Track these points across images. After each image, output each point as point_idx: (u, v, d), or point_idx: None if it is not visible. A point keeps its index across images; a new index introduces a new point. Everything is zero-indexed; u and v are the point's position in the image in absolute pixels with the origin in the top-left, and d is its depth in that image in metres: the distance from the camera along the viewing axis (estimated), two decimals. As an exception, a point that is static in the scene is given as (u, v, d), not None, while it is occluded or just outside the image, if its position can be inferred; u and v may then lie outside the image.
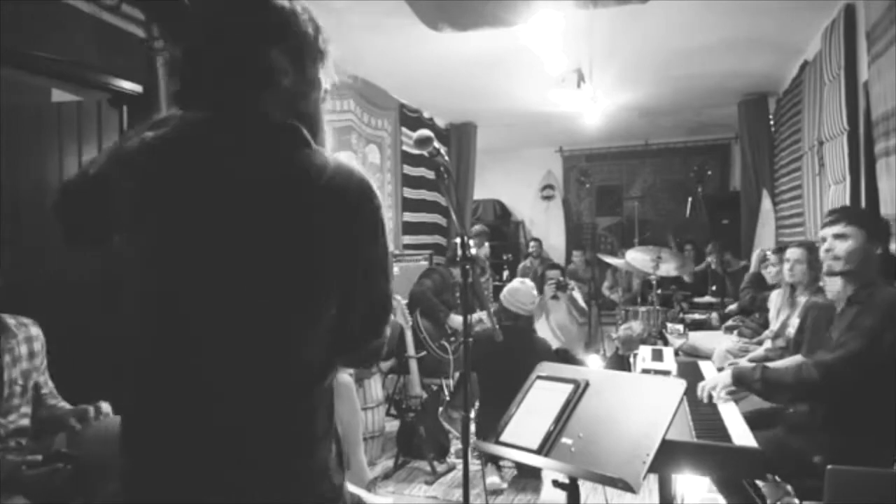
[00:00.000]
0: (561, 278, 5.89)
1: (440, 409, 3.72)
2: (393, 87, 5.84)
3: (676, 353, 3.14)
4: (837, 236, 2.17)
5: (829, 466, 1.70)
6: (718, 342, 4.08)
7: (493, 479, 3.34)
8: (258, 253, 0.99)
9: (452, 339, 4.25)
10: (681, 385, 1.55)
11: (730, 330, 4.52)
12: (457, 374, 4.10)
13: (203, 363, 0.98)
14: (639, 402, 1.55)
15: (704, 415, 1.99)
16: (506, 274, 7.98)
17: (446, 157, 1.95)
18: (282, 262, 1.00)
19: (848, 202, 3.47)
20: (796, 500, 2.18)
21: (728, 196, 7.75)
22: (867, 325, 2.03)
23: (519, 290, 3.60)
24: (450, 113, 7.08)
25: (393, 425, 3.99)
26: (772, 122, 6.00)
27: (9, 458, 1.96)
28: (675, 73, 5.39)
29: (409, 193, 6.48)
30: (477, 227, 6.59)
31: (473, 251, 1.91)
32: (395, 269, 5.21)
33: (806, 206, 4.60)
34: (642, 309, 5.22)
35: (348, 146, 5.16)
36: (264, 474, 0.97)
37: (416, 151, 2.09)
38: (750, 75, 5.48)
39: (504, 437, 1.66)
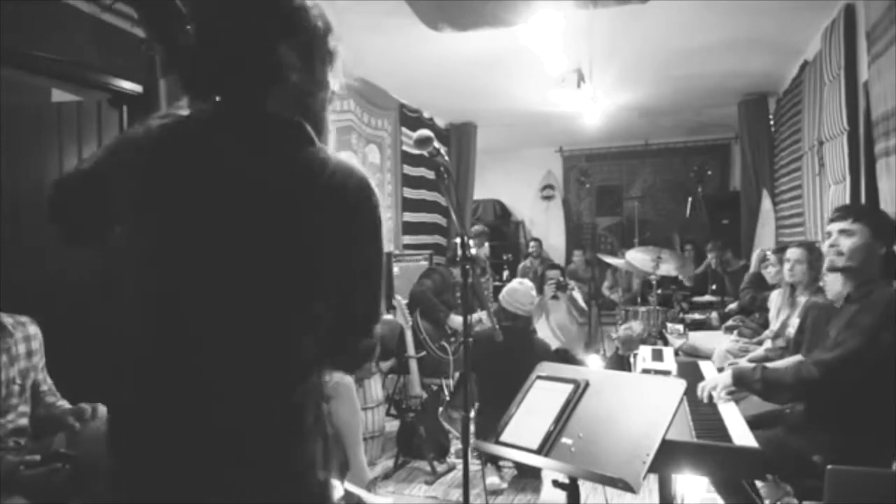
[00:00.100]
0: (561, 278, 5.89)
1: (440, 409, 3.73)
2: (393, 87, 5.84)
3: (676, 353, 3.14)
4: (843, 232, 2.16)
5: (828, 466, 1.70)
6: (718, 342, 4.08)
7: (492, 479, 3.34)
8: (259, 252, 0.99)
9: (452, 339, 4.25)
10: (681, 385, 1.55)
11: (730, 330, 4.51)
12: (457, 375, 4.10)
13: (203, 363, 0.97)
14: (639, 402, 1.55)
15: (704, 415, 1.99)
16: (506, 274, 7.97)
17: (446, 157, 1.96)
18: (282, 262, 0.99)
19: (848, 202, 3.47)
20: (796, 500, 2.18)
21: (728, 196, 7.74)
22: (866, 323, 2.03)
23: (517, 290, 3.60)
24: (450, 113, 7.07)
25: (393, 425, 3.99)
26: (772, 122, 5.99)
27: (7, 458, 1.96)
28: (675, 73, 5.39)
29: (409, 193, 6.48)
30: (477, 227, 6.60)
31: (473, 251, 1.91)
32: (395, 269, 5.22)
33: (806, 206, 4.60)
34: (642, 309, 5.22)
35: (348, 146, 5.16)
36: (264, 474, 0.97)
37: (416, 151, 2.09)
38: (750, 75, 5.48)
39: (504, 438, 1.66)
